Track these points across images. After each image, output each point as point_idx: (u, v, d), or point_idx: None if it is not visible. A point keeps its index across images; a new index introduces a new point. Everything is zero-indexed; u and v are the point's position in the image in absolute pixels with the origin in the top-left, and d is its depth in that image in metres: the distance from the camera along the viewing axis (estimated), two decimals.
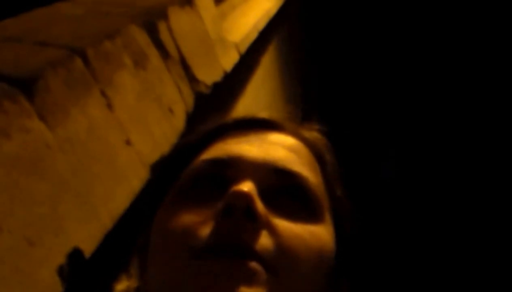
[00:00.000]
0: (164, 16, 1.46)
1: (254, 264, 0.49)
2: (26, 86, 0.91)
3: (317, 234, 0.55)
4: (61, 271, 0.86)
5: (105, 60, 1.14)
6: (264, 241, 0.51)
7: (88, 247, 0.94)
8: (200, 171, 0.59)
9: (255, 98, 2.54)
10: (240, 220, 0.50)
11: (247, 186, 0.52)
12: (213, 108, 1.81)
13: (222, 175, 0.57)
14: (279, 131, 0.65)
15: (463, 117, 4.47)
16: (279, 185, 0.57)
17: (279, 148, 0.61)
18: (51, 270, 0.85)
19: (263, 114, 0.68)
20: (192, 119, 1.47)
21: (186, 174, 0.60)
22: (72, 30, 1.19)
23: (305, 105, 3.85)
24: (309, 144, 0.65)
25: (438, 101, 4.56)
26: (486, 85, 4.39)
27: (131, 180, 1.11)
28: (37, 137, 0.90)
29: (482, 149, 4.38)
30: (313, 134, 0.68)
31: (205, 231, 0.51)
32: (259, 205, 0.52)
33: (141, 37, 1.31)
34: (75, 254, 0.90)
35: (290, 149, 0.61)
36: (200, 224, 0.52)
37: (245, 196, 0.51)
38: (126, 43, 1.24)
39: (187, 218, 0.54)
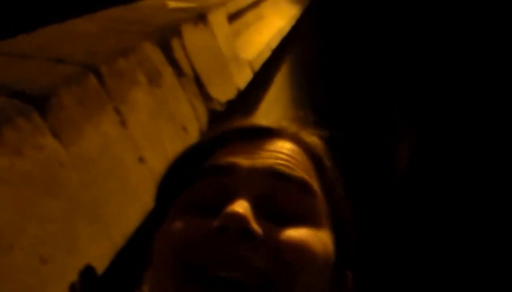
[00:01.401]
0: (178, 33, 1.46)
1: (253, 280, 0.50)
2: (40, 103, 0.92)
3: (314, 239, 0.55)
4: (73, 288, 0.86)
5: (119, 77, 1.14)
6: (261, 256, 0.51)
7: (100, 264, 0.93)
8: (201, 180, 0.59)
9: (267, 116, 2.53)
10: (235, 239, 0.51)
11: (242, 206, 0.52)
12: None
13: (221, 184, 0.57)
14: (277, 138, 0.64)
15: (465, 120, 4.47)
16: (277, 190, 0.57)
17: (277, 153, 0.61)
18: (64, 287, 0.85)
19: (262, 121, 0.67)
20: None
21: (188, 187, 0.60)
22: (86, 47, 1.19)
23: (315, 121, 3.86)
24: (307, 149, 0.65)
25: (441, 105, 4.56)
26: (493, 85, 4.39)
27: (144, 198, 1.10)
28: (50, 155, 0.90)
29: (485, 153, 4.38)
30: (312, 139, 0.67)
31: (202, 246, 0.52)
32: (254, 225, 0.52)
33: (155, 55, 1.32)
34: (87, 271, 0.89)
35: (288, 154, 0.61)
36: (197, 238, 0.53)
37: (239, 217, 0.51)
38: (140, 60, 1.24)
39: (185, 231, 0.54)
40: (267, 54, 2.32)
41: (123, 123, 1.11)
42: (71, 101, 0.98)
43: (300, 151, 0.63)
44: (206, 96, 1.55)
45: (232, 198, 0.54)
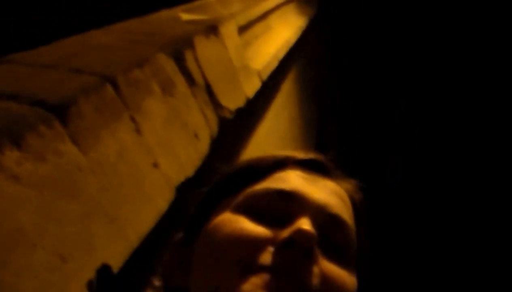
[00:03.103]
0: (190, 45, 1.50)
1: None
2: (60, 111, 0.96)
3: (350, 282, 0.60)
4: (90, 285, 0.90)
5: (134, 87, 1.19)
6: (314, 278, 0.55)
7: (116, 263, 0.97)
8: (264, 196, 0.63)
9: (275, 123, 2.56)
10: (298, 255, 0.55)
11: (311, 226, 0.57)
12: (235, 132, 1.85)
13: (285, 206, 0.61)
14: (331, 179, 0.69)
15: (468, 122, 4.43)
16: (329, 228, 0.61)
17: (334, 195, 0.65)
18: (81, 284, 0.88)
19: (319, 157, 0.72)
20: (216, 143, 1.51)
21: (248, 194, 0.64)
22: (104, 58, 1.24)
23: (321, 130, 3.87)
24: (352, 198, 0.70)
25: (444, 107, 4.53)
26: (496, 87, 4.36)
27: (158, 201, 1.15)
28: (70, 160, 0.94)
29: (488, 154, 4.34)
30: (355, 190, 0.72)
31: (262, 252, 0.55)
32: (317, 248, 0.57)
33: (169, 65, 1.36)
34: (104, 270, 0.93)
35: (341, 198, 0.66)
36: (257, 243, 0.56)
37: (311, 237, 0.55)
38: (154, 71, 1.28)
39: (244, 235, 0.58)
40: (274, 64, 2.35)
41: (138, 130, 1.15)
42: (89, 110, 1.02)
43: (347, 197, 0.69)
44: (216, 105, 1.58)
45: (299, 216, 0.59)
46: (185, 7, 1.97)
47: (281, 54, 2.51)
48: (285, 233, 0.56)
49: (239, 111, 1.76)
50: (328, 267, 0.57)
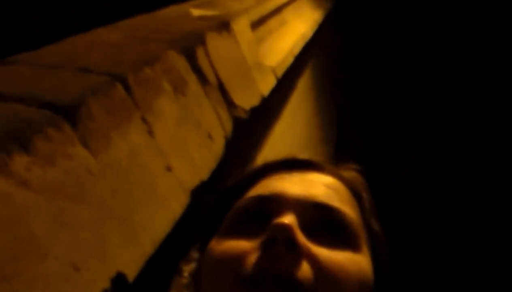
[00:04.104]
0: (202, 41, 1.47)
1: None
2: (69, 113, 0.93)
3: (356, 261, 0.58)
4: None
5: (145, 86, 1.15)
6: (305, 270, 0.53)
7: (131, 272, 0.94)
8: (246, 207, 0.64)
9: (291, 123, 2.53)
10: (281, 251, 0.53)
11: (287, 218, 0.56)
12: (250, 132, 1.81)
13: (266, 210, 0.61)
14: (318, 171, 0.69)
15: (471, 120, 4.42)
16: (319, 219, 0.60)
17: (319, 185, 0.65)
18: None
19: (304, 155, 0.72)
20: (231, 143, 1.48)
21: (235, 209, 0.65)
22: (112, 56, 1.21)
23: (340, 129, 3.86)
24: (347, 183, 0.68)
25: (447, 105, 4.52)
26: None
27: (172, 205, 1.12)
28: (80, 164, 0.91)
29: (490, 154, 4.33)
30: (350, 173, 0.72)
31: (251, 260, 0.55)
32: (299, 236, 0.55)
33: (180, 63, 1.32)
34: (119, 279, 0.90)
35: (329, 187, 0.65)
36: (247, 254, 0.56)
37: (286, 227, 0.54)
38: (165, 69, 1.25)
39: (235, 248, 0.57)
40: (290, 60, 2.32)
41: (150, 132, 1.12)
42: (99, 111, 1.00)
43: (341, 184, 0.67)
44: (230, 104, 1.55)
45: (278, 215, 0.58)
46: (195, 2, 1.94)
47: (297, 50, 2.47)
48: (264, 235, 0.56)
49: (254, 111, 1.72)
50: (323, 254, 0.56)
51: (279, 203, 0.61)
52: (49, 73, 1.09)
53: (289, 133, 2.48)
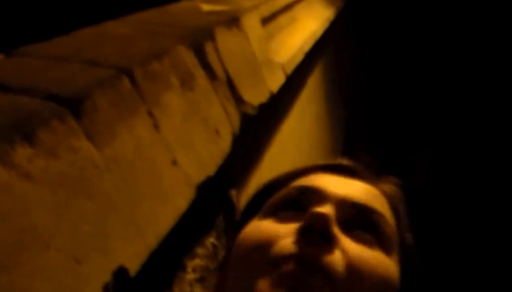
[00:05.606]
0: (211, 37, 1.46)
1: (319, 281, 0.53)
2: (74, 106, 0.92)
3: (385, 263, 0.59)
4: (106, 289, 0.86)
5: (152, 80, 1.15)
6: (335, 260, 0.55)
7: (133, 266, 0.94)
8: (286, 195, 0.66)
9: (300, 120, 2.52)
10: (316, 240, 0.55)
11: (326, 209, 0.58)
12: (258, 129, 1.80)
13: (305, 200, 0.63)
14: (360, 179, 0.70)
15: (483, 131, 4.39)
16: (356, 218, 0.62)
17: (360, 189, 0.67)
18: (97, 287, 0.85)
19: (347, 162, 0.75)
20: (238, 140, 1.47)
21: (275, 196, 0.68)
22: (120, 50, 1.20)
23: (349, 128, 3.85)
24: (386, 195, 0.70)
25: (469, 106, 4.49)
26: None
27: (177, 200, 1.11)
28: (84, 157, 0.90)
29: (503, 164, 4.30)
30: (390, 187, 0.73)
31: (282, 244, 0.56)
32: (335, 228, 0.57)
33: (189, 58, 1.32)
34: (120, 272, 0.90)
35: (370, 193, 0.67)
36: (279, 237, 0.58)
37: (323, 217, 0.56)
38: (173, 63, 1.24)
39: (269, 230, 0.60)
40: (300, 57, 2.30)
41: (156, 126, 1.11)
42: (105, 104, 0.99)
43: (380, 194, 0.69)
44: (238, 100, 1.54)
45: (317, 204, 0.60)
46: None
47: (307, 47, 2.46)
48: (301, 222, 0.58)
49: (262, 107, 1.71)
50: (355, 249, 0.57)
51: (320, 195, 0.63)
52: (56, 65, 1.09)
53: (298, 130, 2.47)
